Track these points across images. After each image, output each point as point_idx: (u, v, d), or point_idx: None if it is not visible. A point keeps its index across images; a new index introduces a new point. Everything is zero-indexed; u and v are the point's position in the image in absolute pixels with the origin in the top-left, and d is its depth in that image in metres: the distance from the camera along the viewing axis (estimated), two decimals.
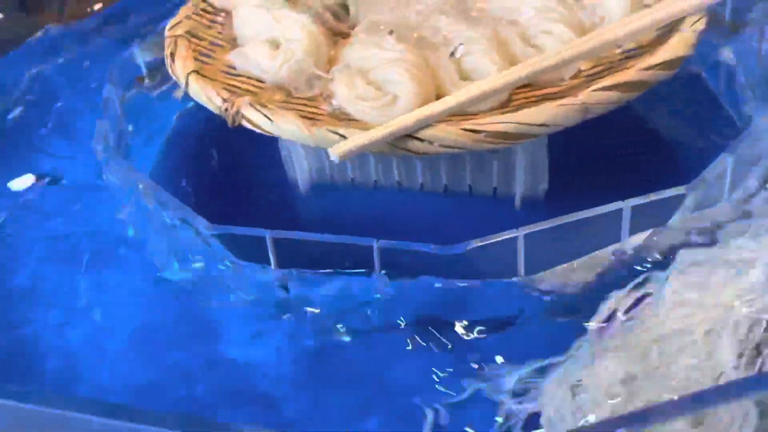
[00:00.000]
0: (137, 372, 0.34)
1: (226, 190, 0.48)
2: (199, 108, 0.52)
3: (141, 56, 0.52)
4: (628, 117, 0.48)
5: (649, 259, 0.33)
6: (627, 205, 0.33)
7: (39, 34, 0.59)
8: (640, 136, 0.47)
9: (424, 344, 0.33)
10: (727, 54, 0.49)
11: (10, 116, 0.51)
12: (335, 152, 0.35)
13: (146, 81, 0.52)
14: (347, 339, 0.34)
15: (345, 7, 0.48)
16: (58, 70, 0.55)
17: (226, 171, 0.50)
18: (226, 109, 0.39)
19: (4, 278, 0.40)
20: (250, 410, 0.32)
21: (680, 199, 0.34)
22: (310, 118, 0.39)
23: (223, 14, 0.48)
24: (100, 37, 0.57)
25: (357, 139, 0.35)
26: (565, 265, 0.34)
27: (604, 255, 0.34)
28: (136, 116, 0.50)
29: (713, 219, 0.34)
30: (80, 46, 0.57)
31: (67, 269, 0.40)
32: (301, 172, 0.47)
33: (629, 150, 0.47)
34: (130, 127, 0.48)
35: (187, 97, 0.53)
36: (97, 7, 0.64)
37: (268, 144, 0.48)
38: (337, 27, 0.48)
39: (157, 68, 0.52)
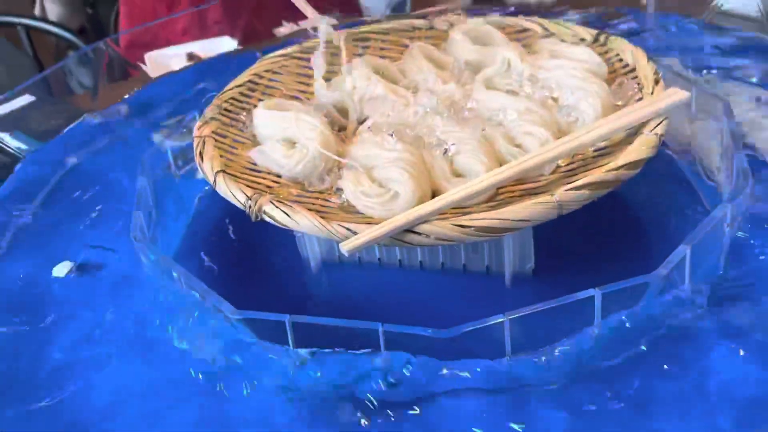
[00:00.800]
0: None
1: (245, 268, 0.54)
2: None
3: (166, 144, 0.58)
4: (606, 197, 0.54)
5: None
6: (599, 293, 0.38)
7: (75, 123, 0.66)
8: (616, 215, 0.53)
9: None
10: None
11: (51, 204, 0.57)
12: (346, 247, 0.40)
13: (172, 167, 0.58)
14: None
15: (344, 110, 0.54)
16: (94, 159, 0.61)
17: (245, 250, 0.55)
18: (250, 206, 0.44)
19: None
20: None
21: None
22: (322, 212, 0.44)
23: (243, 113, 0.55)
24: (130, 127, 0.63)
25: (364, 236, 0.41)
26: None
27: None
28: (164, 198, 0.56)
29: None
30: (113, 134, 0.64)
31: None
32: (312, 252, 0.53)
33: (606, 229, 0.52)
34: (155, 213, 0.53)
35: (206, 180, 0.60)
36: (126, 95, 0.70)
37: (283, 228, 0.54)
38: (342, 122, 0.54)
39: (182, 154, 0.58)
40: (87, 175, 0.59)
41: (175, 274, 0.43)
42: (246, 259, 0.55)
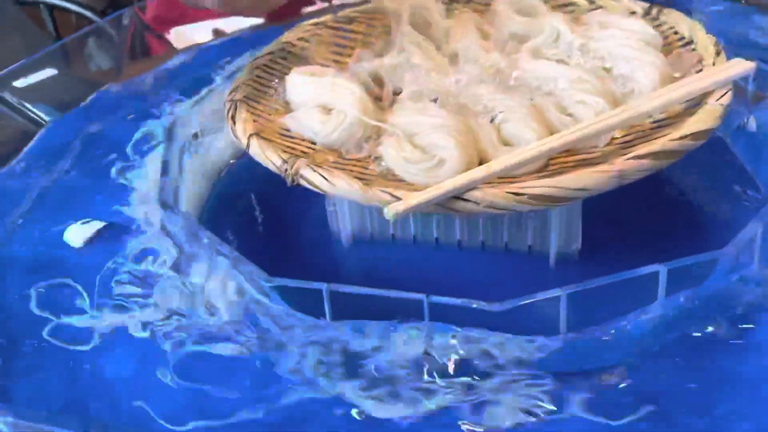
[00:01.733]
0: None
1: (272, 242, 0.51)
2: (246, 164, 0.57)
3: (194, 115, 0.55)
4: (657, 180, 0.51)
5: None
6: (664, 268, 0.35)
7: (96, 93, 0.63)
8: (667, 199, 0.50)
9: None
10: (751, 122, 0.52)
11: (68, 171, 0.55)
12: (391, 211, 0.38)
13: (199, 137, 0.55)
14: None
15: (379, 80, 0.52)
16: (115, 127, 0.59)
17: (272, 224, 0.52)
18: (286, 170, 0.42)
19: None
20: None
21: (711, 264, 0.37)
22: (362, 179, 0.42)
23: (275, 81, 0.52)
24: (155, 96, 0.61)
25: (411, 200, 0.38)
26: None
27: None
28: (188, 167, 0.54)
29: None
30: (137, 103, 0.61)
31: None
32: (344, 227, 0.50)
33: (657, 212, 0.49)
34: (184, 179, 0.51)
35: (232, 153, 0.57)
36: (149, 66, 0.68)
37: (313, 201, 0.51)
38: (379, 93, 0.51)
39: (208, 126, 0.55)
40: (110, 141, 0.57)
41: (205, 240, 0.41)
42: (274, 232, 0.52)
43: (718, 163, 0.51)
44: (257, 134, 0.45)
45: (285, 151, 0.44)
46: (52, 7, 1.12)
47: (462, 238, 0.48)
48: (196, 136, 0.55)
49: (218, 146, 0.57)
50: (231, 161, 0.57)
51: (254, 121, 0.47)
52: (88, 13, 1.06)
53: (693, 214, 0.49)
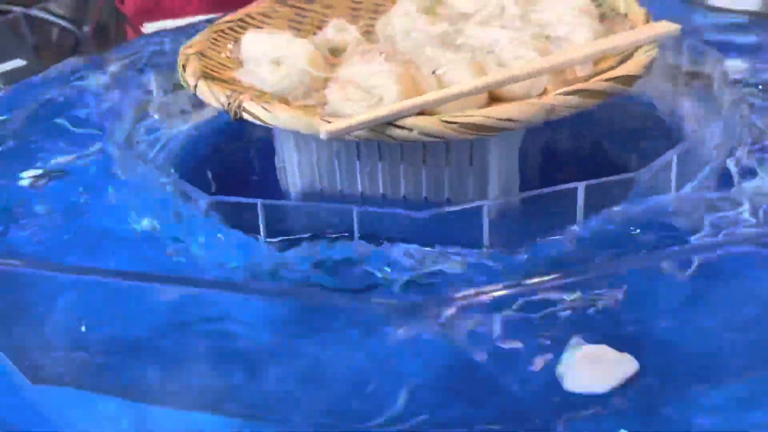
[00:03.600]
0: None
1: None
2: (204, 129, 0.58)
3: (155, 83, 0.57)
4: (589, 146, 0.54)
5: None
6: (582, 185, 0.37)
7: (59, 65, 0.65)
8: (598, 159, 0.52)
9: None
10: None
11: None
12: (326, 129, 0.39)
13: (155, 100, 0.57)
14: None
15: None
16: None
17: (224, 181, 0.53)
18: (230, 103, 0.43)
19: None
20: None
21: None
22: None
23: (232, 41, 0.54)
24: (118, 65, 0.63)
25: (344, 121, 0.39)
26: None
27: None
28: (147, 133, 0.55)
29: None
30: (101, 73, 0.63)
31: None
32: (293, 183, 0.51)
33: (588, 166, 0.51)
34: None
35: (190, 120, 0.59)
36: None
37: (265, 158, 0.52)
38: (333, 60, 0.54)
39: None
40: (70, 105, 0.58)
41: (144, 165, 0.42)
42: (223, 189, 0.53)
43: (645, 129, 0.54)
44: (205, 77, 0.46)
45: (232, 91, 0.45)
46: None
47: (407, 194, 0.50)
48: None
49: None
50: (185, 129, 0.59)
51: (204, 73, 0.48)
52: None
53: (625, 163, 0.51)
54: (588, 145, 0.57)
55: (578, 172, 0.50)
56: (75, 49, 0.79)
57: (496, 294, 0.29)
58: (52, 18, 1.11)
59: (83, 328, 0.33)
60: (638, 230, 0.37)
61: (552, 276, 0.30)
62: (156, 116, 0.56)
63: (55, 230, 0.44)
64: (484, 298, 0.28)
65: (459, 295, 0.28)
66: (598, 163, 0.54)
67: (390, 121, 0.40)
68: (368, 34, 0.57)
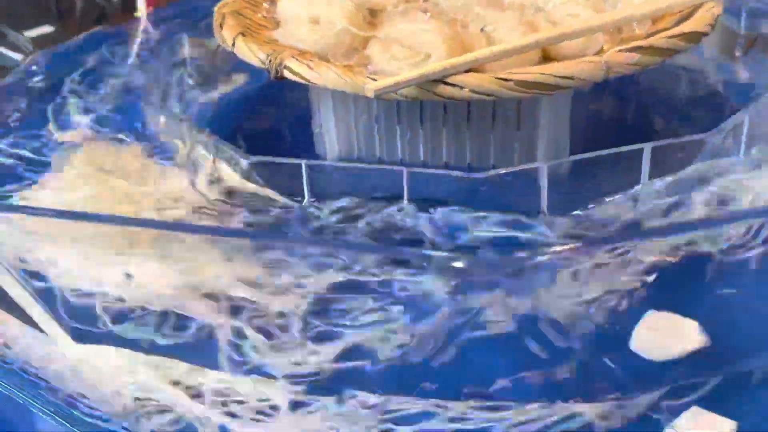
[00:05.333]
0: None
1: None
2: (235, 95, 0.56)
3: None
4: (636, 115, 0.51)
5: None
6: (648, 146, 0.35)
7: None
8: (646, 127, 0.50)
9: None
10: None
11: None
12: (373, 87, 0.37)
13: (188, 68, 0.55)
14: None
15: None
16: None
17: (258, 145, 0.52)
18: (270, 61, 0.41)
19: None
20: None
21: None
22: None
23: (268, 1, 0.52)
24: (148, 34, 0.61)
25: (392, 79, 0.37)
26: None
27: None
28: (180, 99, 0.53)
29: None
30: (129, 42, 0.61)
31: None
32: (331, 149, 0.49)
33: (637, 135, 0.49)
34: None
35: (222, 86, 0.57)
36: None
37: (299, 125, 0.50)
38: (372, 20, 0.51)
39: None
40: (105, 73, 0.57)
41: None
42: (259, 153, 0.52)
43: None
44: (243, 34, 0.44)
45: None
46: None
47: (449, 160, 0.48)
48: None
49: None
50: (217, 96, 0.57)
51: (242, 29, 0.46)
52: None
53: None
54: (636, 114, 0.54)
55: (627, 141, 0.49)
56: (101, 16, 0.77)
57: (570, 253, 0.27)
58: None
59: None
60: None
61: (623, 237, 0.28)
62: (190, 81, 0.54)
63: None
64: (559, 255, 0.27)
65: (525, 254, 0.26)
66: (646, 131, 0.52)
67: (439, 78, 0.38)
68: None
